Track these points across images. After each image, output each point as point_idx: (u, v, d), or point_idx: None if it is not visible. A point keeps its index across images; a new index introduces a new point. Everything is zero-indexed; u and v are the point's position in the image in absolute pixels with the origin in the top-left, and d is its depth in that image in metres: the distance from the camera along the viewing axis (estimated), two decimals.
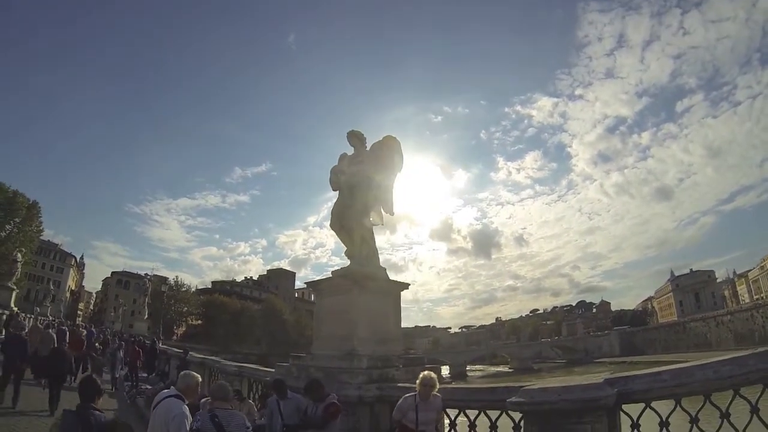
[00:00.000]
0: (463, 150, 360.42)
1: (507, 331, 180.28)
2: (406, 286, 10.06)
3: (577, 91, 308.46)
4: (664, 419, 4.30)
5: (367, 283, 8.99)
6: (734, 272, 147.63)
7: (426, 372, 5.98)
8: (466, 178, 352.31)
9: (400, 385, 7.17)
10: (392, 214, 10.08)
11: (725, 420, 4.01)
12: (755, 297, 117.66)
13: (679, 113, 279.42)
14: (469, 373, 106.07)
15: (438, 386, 5.90)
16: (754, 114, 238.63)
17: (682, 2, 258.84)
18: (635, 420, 4.43)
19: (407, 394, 6.08)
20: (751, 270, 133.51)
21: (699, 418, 4.16)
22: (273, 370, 10.57)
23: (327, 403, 6.44)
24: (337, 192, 9.92)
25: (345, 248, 9.71)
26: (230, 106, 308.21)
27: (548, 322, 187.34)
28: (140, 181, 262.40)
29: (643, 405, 4.36)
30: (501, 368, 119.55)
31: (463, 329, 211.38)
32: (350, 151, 10.21)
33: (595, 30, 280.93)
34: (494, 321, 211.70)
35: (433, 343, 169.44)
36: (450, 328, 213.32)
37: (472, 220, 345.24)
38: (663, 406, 4.38)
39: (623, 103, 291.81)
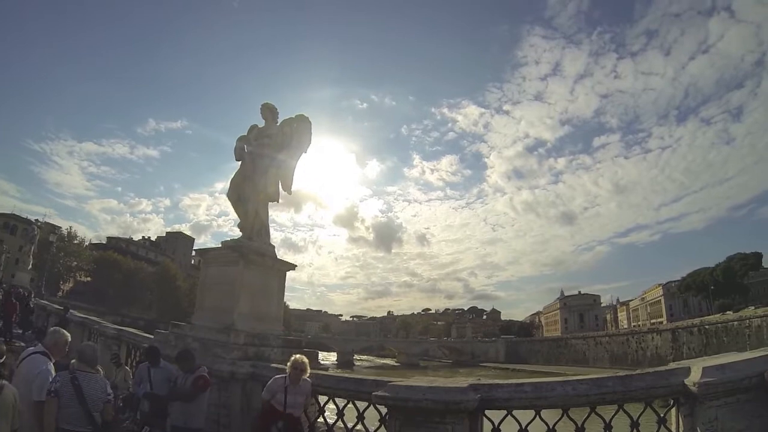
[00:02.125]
0: (381, 141, 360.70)
1: (398, 325, 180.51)
2: (292, 266, 9.86)
3: (505, 107, 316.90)
4: (523, 427, 4.37)
5: (254, 258, 8.70)
6: (618, 300, 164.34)
7: (298, 355, 5.78)
8: (379, 169, 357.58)
9: (274, 365, 6.90)
10: (290, 193, 9.92)
11: None
12: (633, 324, 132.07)
13: (595, 147, 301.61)
14: (356, 363, 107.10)
15: (309, 371, 5.71)
16: (661, 163, 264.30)
17: (620, 48, 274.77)
18: (496, 425, 4.46)
19: (278, 375, 5.88)
20: (632, 300, 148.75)
21: (556, 430, 4.32)
22: (153, 336, 10.04)
23: (196, 375, 6.12)
24: (240, 162, 9.51)
25: (239, 220, 9.30)
26: (157, 51, 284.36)
27: (439, 323, 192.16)
28: (44, 116, 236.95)
29: (505, 412, 4.40)
30: (388, 361, 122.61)
31: (355, 318, 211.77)
32: (262, 123, 9.82)
33: (535, 53, 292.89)
34: (386, 314, 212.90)
35: (324, 329, 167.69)
36: (342, 315, 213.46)
37: (377, 212, 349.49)
38: (527, 415, 4.44)
39: (546, 128, 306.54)
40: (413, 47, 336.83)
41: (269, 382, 5.80)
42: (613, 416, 4.28)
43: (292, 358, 5.68)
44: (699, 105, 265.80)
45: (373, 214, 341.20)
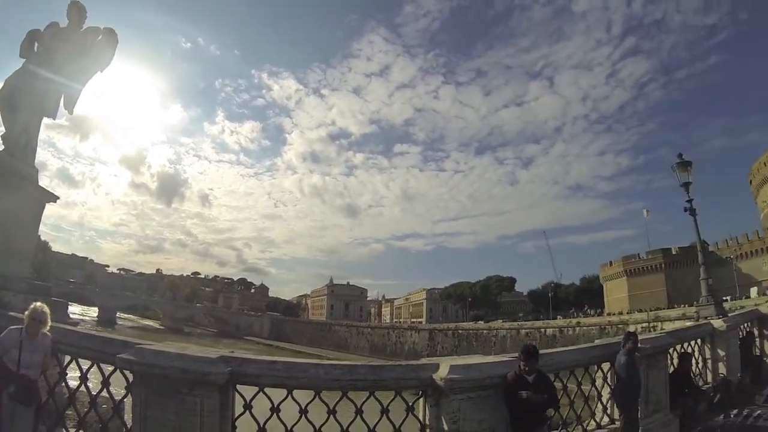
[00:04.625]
0: (191, 88, 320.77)
1: (165, 286, 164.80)
2: (54, 197, 8.58)
3: (323, 90, 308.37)
4: (275, 405, 4.23)
5: (12, 179, 7.35)
6: (384, 296, 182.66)
7: (38, 304, 4.73)
8: (180, 117, 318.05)
9: (11, 313, 5.67)
10: (71, 113, 8.58)
11: (331, 415, 4.30)
12: (395, 320, 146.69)
13: (395, 153, 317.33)
14: (119, 322, 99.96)
15: (50, 324, 4.75)
16: (451, 183, 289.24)
17: (448, 75, 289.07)
18: (248, 401, 4.27)
19: (13, 327, 4.77)
20: (397, 299, 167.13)
21: (308, 410, 4.28)
22: None
23: None
24: (24, 61, 7.94)
25: (4, 130, 7.70)
26: None
27: (207, 289, 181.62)
28: None
29: (257, 388, 4.23)
30: (152, 323, 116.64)
31: (122, 272, 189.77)
32: (64, 23, 8.30)
33: (370, 50, 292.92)
34: (155, 272, 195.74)
35: (88, 278, 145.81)
36: (108, 266, 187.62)
37: (166, 161, 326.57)
38: (281, 394, 4.32)
39: (356, 122, 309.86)
40: (257, 3, 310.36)
41: (1, 335, 4.71)
42: (364, 401, 4.38)
43: (32, 306, 4.67)
44: (498, 145, 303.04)
45: (162, 162, 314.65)
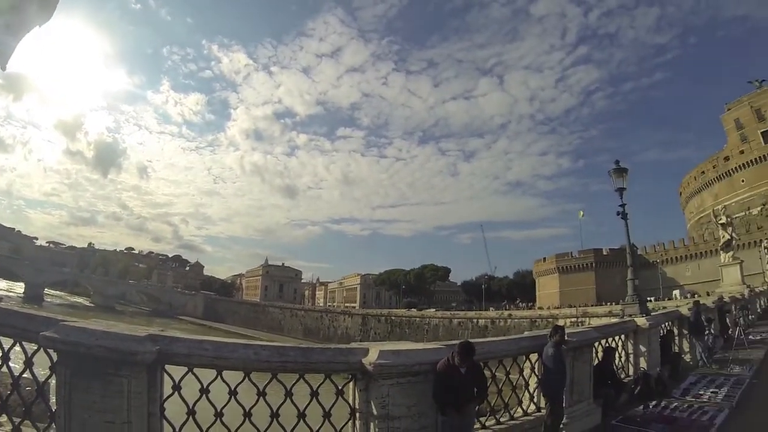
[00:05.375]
0: (138, 53, 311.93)
1: (97, 261, 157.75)
2: None
3: (273, 68, 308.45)
4: (205, 386, 4.20)
5: None
6: (318, 279, 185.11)
7: None
8: (123, 82, 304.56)
9: None
10: (3, 69, 7.92)
11: (261, 397, 4.33)
12: (328, 304, 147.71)
13: (338, 136, 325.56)
14: (47, 299, 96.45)
15: None
16: (391, 171, 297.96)
17: (400, 63, 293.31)
18: (177, 382, 4.20)
19: None
20: (332, 282, 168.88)
21: (238, 392, 4.29)
22: None
23: None
24: None
25: None
26: None
27: (141, 266, 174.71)
28: None
29: (186, 369, 4.18)
30: (82, 300, 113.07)
31: (52, 245, 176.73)
32: None
33: (324, 31, 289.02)
34: (87, 246, 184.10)
35: (14, 251, 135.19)
36: (37, 239, 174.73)
37: (104, 129, 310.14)
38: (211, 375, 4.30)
39: (302, 102, 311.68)
40: None
41: None
42: (294, 384, 4.43)
43: None
44: (442, 136, 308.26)
45: (100, 130, 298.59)
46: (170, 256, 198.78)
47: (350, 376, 4.74)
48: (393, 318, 71.63)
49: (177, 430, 4.18)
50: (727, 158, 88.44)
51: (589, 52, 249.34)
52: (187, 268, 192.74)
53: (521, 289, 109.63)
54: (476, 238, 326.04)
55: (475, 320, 61.14)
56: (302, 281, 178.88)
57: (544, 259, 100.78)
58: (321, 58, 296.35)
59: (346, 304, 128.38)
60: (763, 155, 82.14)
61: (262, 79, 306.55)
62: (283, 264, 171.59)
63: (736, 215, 68.68)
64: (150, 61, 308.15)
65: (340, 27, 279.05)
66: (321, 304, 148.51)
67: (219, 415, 4.23)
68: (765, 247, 56.34)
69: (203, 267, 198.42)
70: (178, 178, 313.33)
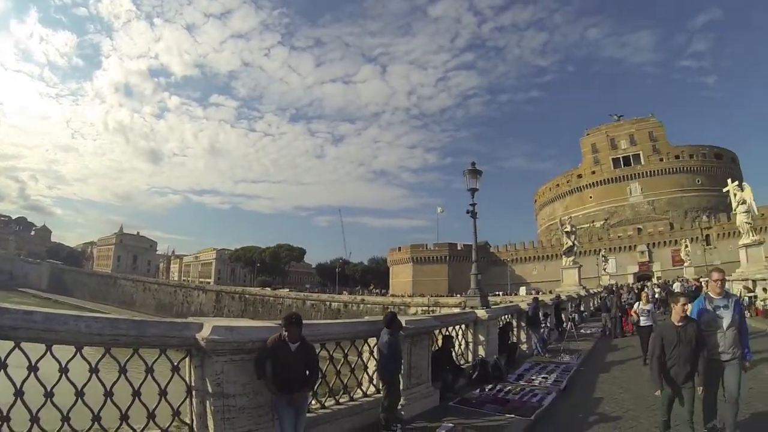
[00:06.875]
0: None
1: None
2: None
3: (156, 19, 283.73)
4: (33, 363, 3.94)
5: None
6: (173, 251, 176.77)
7: None
8: None
9: None
10: None
11: (94, 374, 4.20)
12: (183, 278, 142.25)
13: (211, 103, 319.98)
14: None
15: None
16: (258, 146, 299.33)
17: (286, 37, 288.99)
18: (2, 360, 3.86)
19: None
20: (187, 256, 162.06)
21: (69, 368, 4.07)
22: None
23: None
24: None
25: None
26: None
27: None
28: None
29: (12, 344, 3.84)
30: None
31: None
32: None
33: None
34: None
35: None
36: None
37: None
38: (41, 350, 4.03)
39: (181, 61, 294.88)
40: None
41: None
42: (128, 359, 4.35)
43: None
44: (314, 117, 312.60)
45: None
46: (13, 218, 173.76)
47: (186, 352, 4.78)
48: (247, 296, 70.59)
49: (4, 413, 3.81)
50: (580, 176, 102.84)
51: (474, 59, 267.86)
52: (33, 233, 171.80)
53: (375, 275, 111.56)
54: (334, 222, 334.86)
55: (328, 303, 61.49)
56: (157, 253, 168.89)
57: (400, 248, 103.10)
58: (209, 18, 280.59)
59: (201, 280, 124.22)
60: (611, 178, 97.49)
61: (142, 29, 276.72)
62: (138, 233, 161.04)
63: (582, 226, 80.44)
64: None
65: None
66: (175, 279, 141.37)
67: (49, 395, 3.96)
68: (602, 256, 66.62)
69: (50, 232, 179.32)
70: (31, 126, 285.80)
